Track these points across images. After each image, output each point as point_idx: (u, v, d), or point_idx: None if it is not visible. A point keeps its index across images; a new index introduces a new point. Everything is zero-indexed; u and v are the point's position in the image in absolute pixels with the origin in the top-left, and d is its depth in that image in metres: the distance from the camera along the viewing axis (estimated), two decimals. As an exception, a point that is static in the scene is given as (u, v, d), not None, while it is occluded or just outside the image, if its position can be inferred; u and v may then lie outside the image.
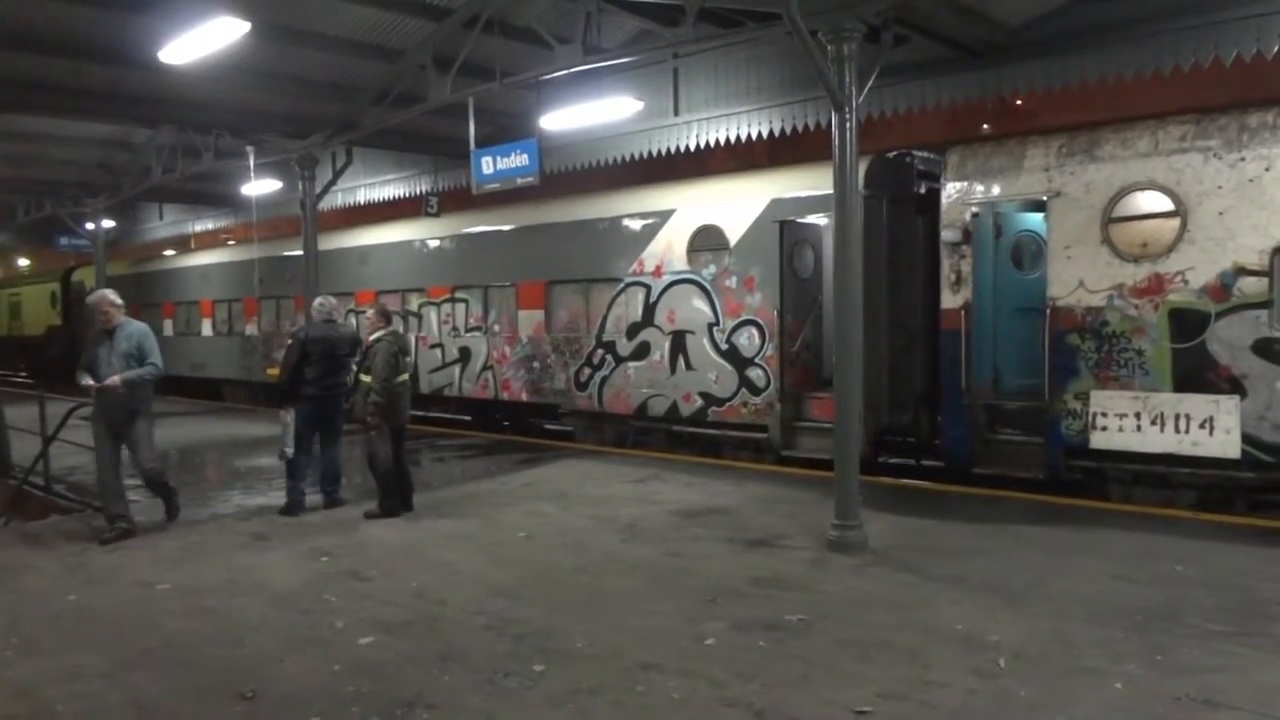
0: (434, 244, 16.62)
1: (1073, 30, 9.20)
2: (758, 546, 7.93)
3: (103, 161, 17.66)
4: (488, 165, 11.28)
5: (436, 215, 15.82)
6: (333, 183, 14.21)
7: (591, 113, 12.14)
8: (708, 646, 5.63)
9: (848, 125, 7.71)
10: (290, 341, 9.31)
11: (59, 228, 21.78)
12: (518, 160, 10.97)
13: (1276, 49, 8.18)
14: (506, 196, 13.26)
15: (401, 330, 13.83)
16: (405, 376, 9.37)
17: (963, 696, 4.88)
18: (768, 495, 9.91)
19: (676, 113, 12.52)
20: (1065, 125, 10.03)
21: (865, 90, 7.90)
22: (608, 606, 6.43)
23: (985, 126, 17.80)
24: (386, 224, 18.40)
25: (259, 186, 15.84)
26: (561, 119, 12.43)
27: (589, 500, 9.79)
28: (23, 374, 29.80)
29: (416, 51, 11.22)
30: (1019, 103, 11.71)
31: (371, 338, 9.25)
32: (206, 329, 23.15)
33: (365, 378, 9.09)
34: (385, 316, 9.52)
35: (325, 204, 17.56)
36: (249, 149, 13.77)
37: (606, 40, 10.19)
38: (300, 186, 13.90)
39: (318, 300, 9.88)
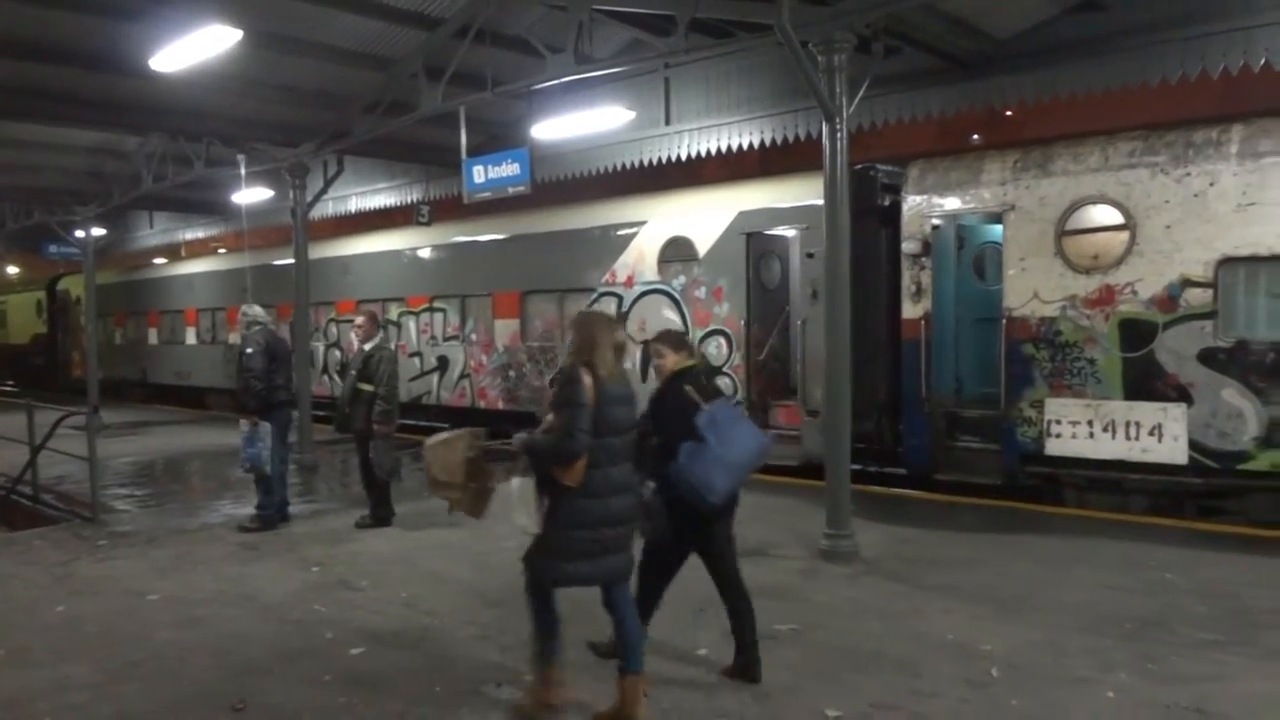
0: (414, 254, 16.84)
1: (1062, 42, 9.24)
2: (749, 556, 7.85)
3: (92, 169, 17.58)
4: (479, 174, 11.27)
5: (428, 224, 15.85)
6: (324, 191, 14.17)
7: (583, 122, 12.15)
8: (700, 656, 5.63)
9: (838, 135, 7.74)
10: (251, 350, 8.95)
11: (48, 236, 21.67)
12: (509, 169, 10.96)
13: (1264, 61, 8.22)
14: (483, 208, 13.26)
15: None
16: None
17: (955, 706, 4.88)
18: (759, 504, 9.87)
19: (668, 122, 12.53)
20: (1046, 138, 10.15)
21: (856, 101, 7.94)
22: (598, 617, 6.39)
23: (975, 137, 17.88)
24: (368, 234, 18.60)
25: (249, 195, 15.78)
26: (553, 128, 12.44)
27: (580, 509, 9.76)
28: (9, 384, 29.64)
29: (408, 60, 11.20)
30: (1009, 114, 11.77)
31: (368, 346, 9.21)
32: (190, 338, 23.26)
33: (365, 386, 9.03)
34: (376, 324, 9.50)
35: (310, 214, 17.68)
36: (240, 157, 13.73)
37: (598, 50, 10.19)
38: (291, 195, 13.85)
39: (258, 308, 9.52)
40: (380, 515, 9.19)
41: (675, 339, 5.42)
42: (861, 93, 8.03)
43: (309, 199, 13.94)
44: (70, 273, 28.98)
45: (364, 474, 9.29)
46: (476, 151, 11.76)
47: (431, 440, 5.31)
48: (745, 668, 5.25)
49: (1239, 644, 5.65)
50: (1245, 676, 5.19)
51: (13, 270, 41.38)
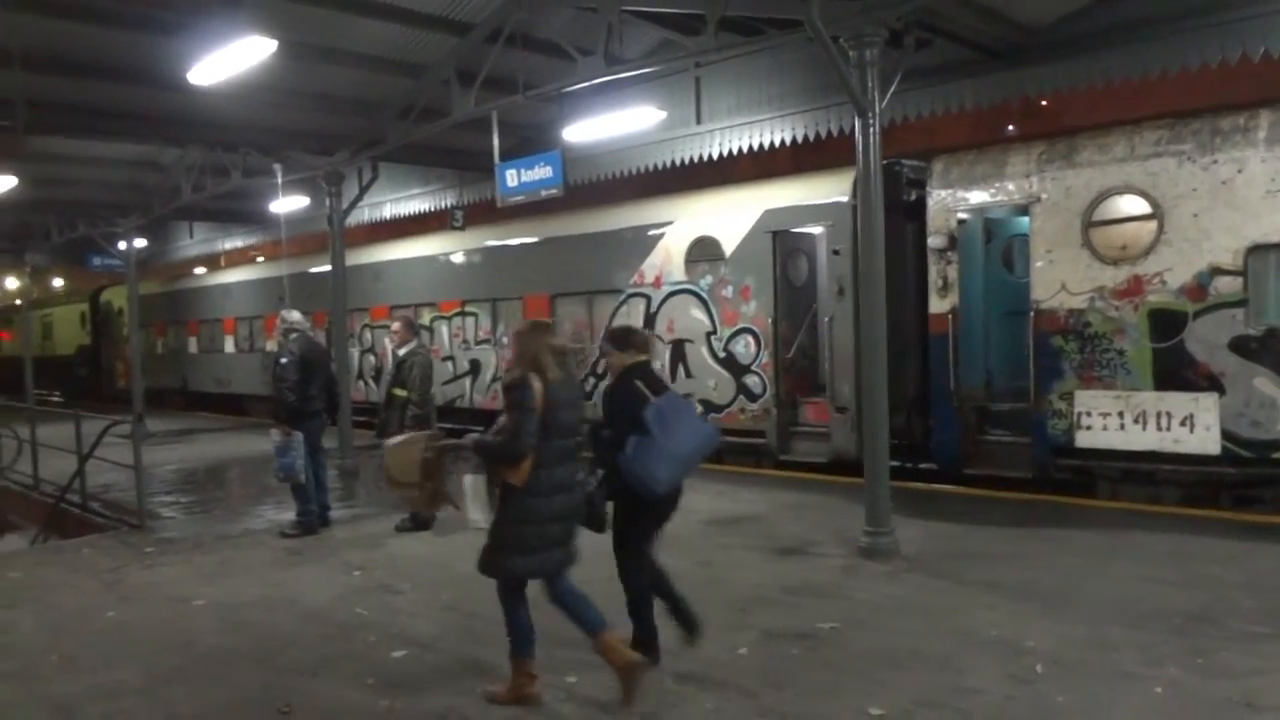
0: (445, 259, 16.99)
1: (1096, 30, 9.11)
2: (789, 554, 7.89)
3: (133, 182, 17.87)
4: (512, 178, 11.32)
5: (462, 228, 15.90)
6: (359, 198, 14.30)
7: (614, 123, 12.17)
8: (740, 656, 5.62)
9: (871, 130, 7.69)
10: (285, 360, 8.99)
11: (91, 248, 22.05)
12: (542, 172, 11.00)
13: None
14: (511, 212, 13.42)
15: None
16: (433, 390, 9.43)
17: (999, 703, 4.84)
18: (798, 503, 9.87)
19: (699, 121, 12.51)
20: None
21: (888, 94, 7.88)
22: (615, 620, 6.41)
23: (1010, 128, 17.69)
24: (400, 240, 18.79)
25: (286, 204, 15.98)
26: (584, 130, 12.47)
27: (618, 510, 9.77)
28: (55, 395, 30.21)
29: (440, 66, 11.28)
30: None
31: (402, 351, 9.29)
32: (229, 346, 23.61)
33: (399, 392, 9.11)
34: (412, 329, 9.59)
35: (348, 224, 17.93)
36: (276, 166, 13.89)
37: (628, 50, 10.21)
38: (328, 203, 13.99)
39: (296, 314, 9.53)
40: (420, 519, 9.24)
41: (619, 337, 5.57)
42: (894, 87, 7.97)
43: (345, 206, 14.08)
44: (112, 284, 29.56)
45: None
46: (509, 155, 11.81)
47: (390, 442, 5.75)
48: (688, 626, 5.51)
49: (1290, 638, 5.55)
50: (1297, 671, 5.10)
51: (58, 283, 42.17)
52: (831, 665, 5.42)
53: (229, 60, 9.52)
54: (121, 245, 20.56)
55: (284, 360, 9.01)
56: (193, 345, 25.39)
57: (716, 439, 5.68)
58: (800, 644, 5.75)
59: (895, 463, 10.94)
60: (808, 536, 8.42)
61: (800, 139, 11.50)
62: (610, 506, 5.31)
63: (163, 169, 16.60)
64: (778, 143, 11.73)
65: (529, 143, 13.76)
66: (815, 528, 8.73)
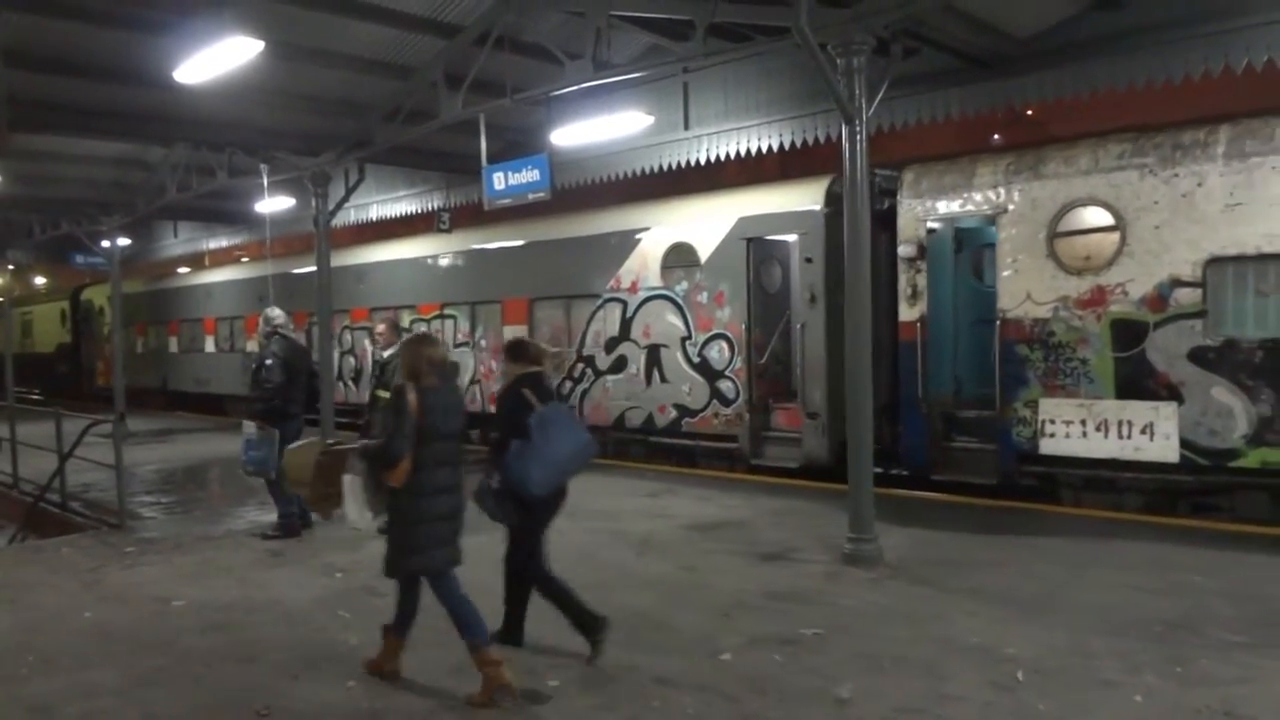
0: (425, 262, 17.08)
1: (1084, 40, 9.18)
2: (772, 560, 7.90)
3: (118, 180, 17.78)
4: (499, 181, 11.31)
5: (448, 231, 15.93)
6: (345, 199, 14.26)
7: (602, 128, 12.18)
8: (723, 661, 5.62)
9: (858, 137, 7.72)
10: (270, 362, 8.93)
11: (75, 246, 21.93)
12: (529, 176, 10.99)
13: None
14: (491, 217, 13.70)
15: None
16: None
17: (980, 710, 4.85)
18: (782, 508, 9.88)
19: (687, 127, 12.54)
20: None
21: (875, 102, 7.91)
22: (622, 622, 6.40)
23: (995, 137, 17.81)
24: (381, 243, 18.88)
25: (271, 204, 15.92)
26: (572, 134, 12.47)
27: (601, 515, 9.76)
28: (35, 393, 30.06)
29: (427, 69, 11.26)
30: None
31: (387, 353, 9.24)
32: (210, 346, 23.69)
33: (382, 393, 9.06)
34: (397, 331, 9.54)
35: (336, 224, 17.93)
36: (262, 167, 13.84)
37: (616, 55, 10.21)
38: (313, 204, 13.95)
39: (279, 312, 9.37)
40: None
41: (513, 349, 6.05)
42: (881, 94, 8.00)
43: (330, 207, 14.04)
44: (93, 283, 29.47)
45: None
46: (496, 158, 11.80)
47: (290, 447, 6.32)
48: (589, 632, 5.69)
49: (1269, 646, 5.57)
50: (1275, 679, 5.12)
51: (40, 280, 41.92)
52: (814, 670, 5.42)
53: (215, 60, 9.48)
54: (105, 244, 20.46)
55: (269, 362, 8.94)
56: (173, 345, 25.38)
57: (594, 449, 6.02)
58: (783, 649, 5.75)
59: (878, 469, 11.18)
60: (791, 542, 8.43)
61: (786, 145, 11.57)
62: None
63: (148, 167, 16.52)
64: (764, 149, 11.80)
65: (516, 146, 13.76)
66: (798, 533, 8.74)
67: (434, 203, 16.85)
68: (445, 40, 10.86)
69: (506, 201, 11.36)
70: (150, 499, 11.53)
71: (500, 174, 11.29)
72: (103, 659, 5.93)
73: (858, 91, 7.65)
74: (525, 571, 5.92)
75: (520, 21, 10.09)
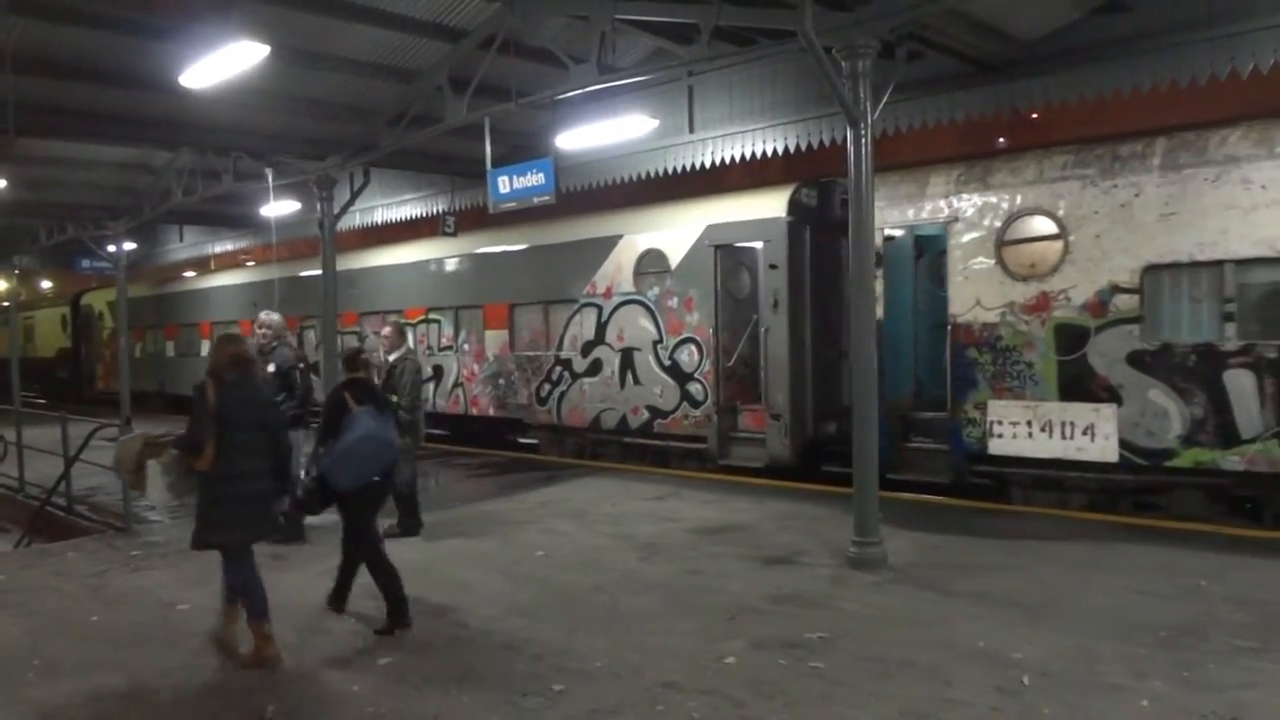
0: (411, 268, 17.50)
1: (1089, 44, 9.17)
2: (777, 564, 7.89)
3: (123, 184, 17.82)
4: (504, 184, 11.32)
5: (453, 234, 16.01)
6: (351, 203, 14.29)
7: (606, 131, 12.19)
8: (728, 665, 5.61)
9: (863, 141, 7.72)
10: (303, 367, 8.94)
11: (80, 250, 21.99)
12: (534, 179, 11.01)
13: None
14: (474, 225, 14.47)
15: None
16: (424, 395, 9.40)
17: (986, 715, 4.84)
18: (786, 512, 9.87)
19: (692, 130, 12.55)
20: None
21: (880, 106, 7.91)
22: (627, 625, 6.41)
23: (1001, 140, 17.78)
24: (369, 250, 19.21)
25: (277, 208, 15.96)
26: (577, 138, 12.49)
27: (607, 518, 9.77)
28: (38, 398, 30.20)
29: (433, 72, 11.29)
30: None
31: (392, 357, 9.26)
32: (205, 350, 23.91)
33: (391, 398, 9.07)
34: (402, 334, 9.55)
35: (314, 233, 18.24)
36: (268, 171, 13.87)
37: (621, 59, 10.22)
38: (319, 208, 13.97)
39: (278, 317, 9.19)
40: (408, 525, 9.21)
41: (345, 359, 6.94)
42: (886, 98, 8.00)
43: (335, 211, 14.06)
44: (93, 288, 29.62)
45: (391, 484, 9.30)
46: (501, 162, 11.82)
47: (121, 439, 6.99)
48: (396, 618, 6.36)
49: (1276, 651, 5.56)
50: (1283, 684, 5.11)
51: (46, 284, 42.06)
52: (819, 675, 5.41)
53: (221, 64, 9.51)
54: (111, 248, 20.50)
55: (301, 367, 8.90)
56: (170, 349, 25.70)
57: (393, 450, 6.56)
58: (788, 654, 5.75)
59: (837, 468, 11.51)
60: (796, 546, 8.42)
61: (791, 149, 11.56)
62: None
63: (154, 172, 16.57)
64: (769, 152, 11.79)
65: (521, 150, 13.77)
66: (804, 537, 8.73)
67: (438, 206, 16.90)
68: (450, 44, 10.88)
69: (511, 205, 11.38)
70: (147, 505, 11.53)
71: (505, 177, 11.31)
72: (109, 663, 5.93)
73: (862, 95, 7.66)
74: (359, 554, 6.60)
75: (525, 25, 10.10)
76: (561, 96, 10.52)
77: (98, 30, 9.89)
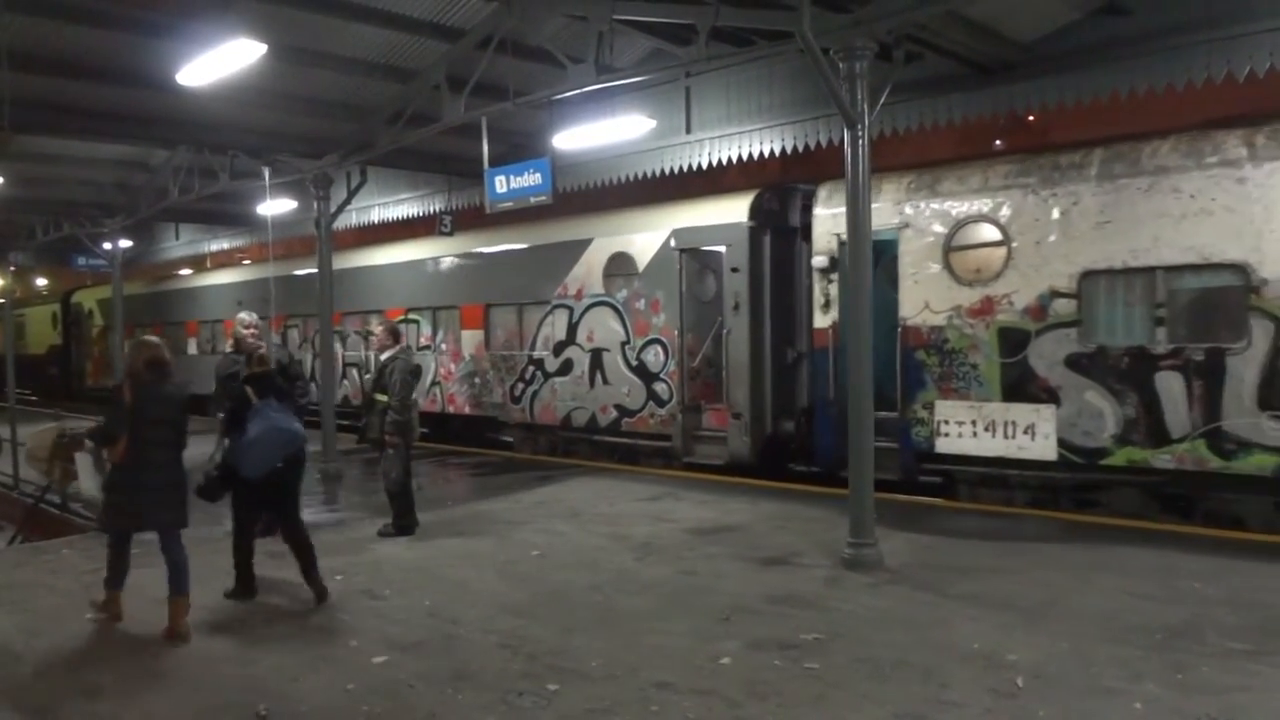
0: (389, 270, 17.87)
1: (1086, 46, 9.18)
2: (773, 565, 7.89)
3: (120, 182, 17.79)
4: (501, 184, 11.31)
5: (450, 234, 16.05)
6: (347, 202, 14.26)
7: (604, 132, 12.19)
8: (723, 665, 5.61)
9: (860, 142, 7.72)
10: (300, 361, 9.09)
11: (76, 247, 21.96)
12: (531, 179, 10.99)
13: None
14: (454, 227, 14.85)
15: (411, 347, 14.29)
16: (416, 395, 9.36)
17: (980, 717, 4.84)
18: (782, 513, 9.87)
19: (689, 131, 12.55)
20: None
21: (878, 107, 7.91)
22: (622, 625, 6.41)
23: (998, 143, 17.85)
24: (351, 251, 19.49)
25: (274, 206, 15.94)
26: (574, 138, 12.49)
27: (602, 518, 9.77)
28: (29, 394, 30.24)
29: (430, 72, 11.27)
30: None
31: (384, 356, 9.24)
32: (192, 348, 24.46)
33: (380, 397, 9.07)
34: (394, 334, 9.50)
35: (300, 234, 19.01)
36: (265, 169, 13.85)
37: (619, 59, 10.20)
38: (315, 206, 13.94)
39: (254, 316, 9.04)
40: (403, 524, 9.21)
41: (247, 357, 7.58)
42: (883, 99, 8.00)
43: (332, 210, 14.03)
44: (83, 286, 29.78)
45: (385, 483, 9.31)
46: (498, 161, 11.80)
47: (33, 431, 7.42)
48: (317, 594, 6.99)
49: (1271, 654, 5.57)
50: (1277, 687, 5.11)
51: (41, 282, 42.06)
52: (815, 676, 5.41)
53: (218, 62, 9.48)
54: (106, 245, 20.46)
55: (294, 364, 8.95)
56: None
57: (299, 441, 6.99)
58: (783, 654, 5.75)
59: (803, 467, 12.23)
60: (792, 547, 8.42)
61: (789, 150, 11.57)
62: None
63: (150, 170, 16.53)
64: (766, 153, 11.78)
65: (518, 150, 13.75)
66: (799, 538, 8.73)
67: (429, 207, 17.00)
68: (448, 44, 10.87)
69: (508, 205, 11.37)
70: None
71: (502, 177, 11.29)
72: (102, 661, 5.93)
73: (860, 97, 7.66)
74: (238, 539, 7.17)
75: (523, 25, 10.09)
76: (559, 96, 10.51)
77: (95, 27, 9.87)
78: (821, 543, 8.42)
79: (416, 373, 9.39)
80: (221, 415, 7.10)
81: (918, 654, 5.70)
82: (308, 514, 9.94)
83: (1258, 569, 7.37)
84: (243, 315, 9.02)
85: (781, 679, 5.39)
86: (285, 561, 8.26)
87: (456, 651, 5.96)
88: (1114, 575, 7.28)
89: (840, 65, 7.69)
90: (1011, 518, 9.45)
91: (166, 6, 9.53)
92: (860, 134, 7.70)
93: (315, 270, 18.54)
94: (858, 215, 7.87)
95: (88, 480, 6.68)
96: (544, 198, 10.98)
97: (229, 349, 9.14)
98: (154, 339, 6.86)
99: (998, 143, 16.82)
